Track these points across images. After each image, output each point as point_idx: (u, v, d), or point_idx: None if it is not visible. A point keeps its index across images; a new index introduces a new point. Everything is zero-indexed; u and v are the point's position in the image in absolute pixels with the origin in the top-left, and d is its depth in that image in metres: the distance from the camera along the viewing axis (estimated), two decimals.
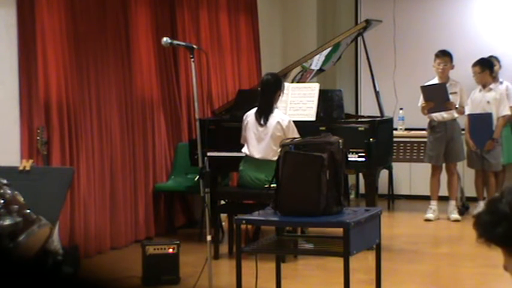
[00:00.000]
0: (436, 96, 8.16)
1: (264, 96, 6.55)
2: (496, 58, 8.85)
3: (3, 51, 6.24)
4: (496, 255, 2.17)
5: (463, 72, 8.57)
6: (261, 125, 6.51)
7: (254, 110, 6.59)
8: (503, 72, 8.89)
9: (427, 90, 8.23)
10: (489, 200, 2.05)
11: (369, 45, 7.60)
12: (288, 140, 4.74)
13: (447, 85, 8.23)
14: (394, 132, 7.78)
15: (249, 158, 6.60)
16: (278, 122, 6.48)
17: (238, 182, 6.81)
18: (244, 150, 6.60)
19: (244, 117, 6.63)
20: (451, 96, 8.16)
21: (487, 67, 8.45)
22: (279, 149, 6.42)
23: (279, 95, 6.59)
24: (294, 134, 6.39)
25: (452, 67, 8.33)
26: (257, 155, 6.53)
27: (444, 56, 8.31)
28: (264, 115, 6.52)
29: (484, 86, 8.47)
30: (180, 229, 7.88)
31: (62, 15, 6.56)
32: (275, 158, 6.48)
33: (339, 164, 4.49)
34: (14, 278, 1.47)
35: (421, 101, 8.31)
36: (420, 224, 8.30)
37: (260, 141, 6.53)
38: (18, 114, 6.28)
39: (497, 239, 2.01)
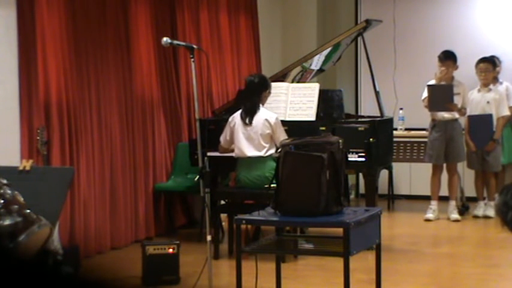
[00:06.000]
0: (441, 96, 8.13)
1: (249, 96, 6.63)
2: (498, 58, 8.83)
3: (4, 52, 6.23)
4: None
5: (463, 72, 8.56)
6: (248, 125, 6.56)
7: (239, 111, 6.66)
8: (503, 72, 8.87)
9: (433, 89, 8.19)
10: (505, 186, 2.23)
11: (369, 45, 7.59)
12: (288, 140, 4.74)
13: None
14: (394, 132, 7.77)
15: (241, 160, 6.64)
16: (266, 120, 6.55)
17: (237, 186, 6.83)
18: (236, 152, 6.63)
19: (231, 119, 6.69)
20: (454, 98, 8.13)
21: (492, 65, 8.44)
22: (268, 145, 6.55)
23: (266, 96, 6.70)
24: (282, 131, 6.55)
25: (456, 68, 8.28)
26: (249, 153, 6.57)
27: (446, 60, 8.21)
28: (249, 115, 6.59)
29: (485, 85, 8.46)
30: (180, 229, 7.89)
31: (62, 16, 6.56)
32: (267, 154, 6.58)
33: (339, 164, 4.49)
34: (14, 278, 1.47)
35: (424, 95, 8.26)
36: (420, 224, 8.29)
37: (250, 140, 6.57)
38: (18, 114, 6.28)
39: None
